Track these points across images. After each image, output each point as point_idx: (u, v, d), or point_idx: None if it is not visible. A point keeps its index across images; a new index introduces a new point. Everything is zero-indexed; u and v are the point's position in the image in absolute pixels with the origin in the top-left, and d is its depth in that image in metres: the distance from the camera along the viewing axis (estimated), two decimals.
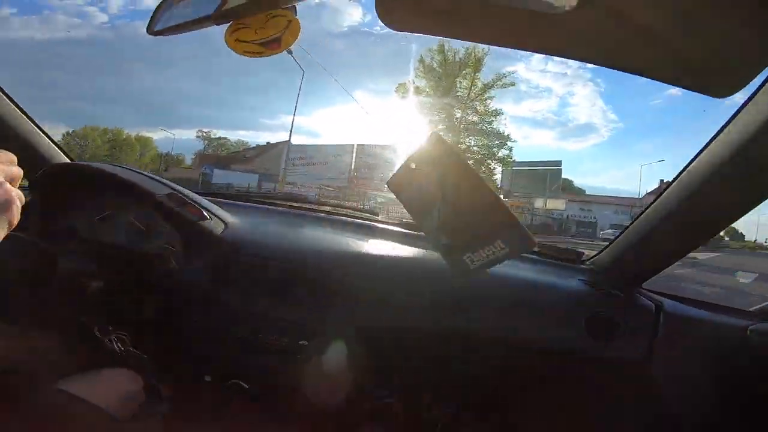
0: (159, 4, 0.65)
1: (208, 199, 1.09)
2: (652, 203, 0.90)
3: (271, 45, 0.58)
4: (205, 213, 0.95)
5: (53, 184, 0.99)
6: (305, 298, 0.91)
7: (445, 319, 0.94)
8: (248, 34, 0.59)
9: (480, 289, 0.98)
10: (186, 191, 1.00)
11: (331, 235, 1.15)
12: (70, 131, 36.54)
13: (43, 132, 1.08)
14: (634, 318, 0.92)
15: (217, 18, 0.60)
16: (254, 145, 35.59)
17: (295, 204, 1.33)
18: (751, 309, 0.94)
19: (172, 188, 0.97)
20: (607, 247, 1.08)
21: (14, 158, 0.47)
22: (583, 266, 1.13)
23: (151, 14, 0.68)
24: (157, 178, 1.01)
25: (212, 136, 40.64)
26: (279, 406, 0.91)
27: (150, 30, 0.67)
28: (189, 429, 0.86)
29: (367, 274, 0.96)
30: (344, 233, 1.17)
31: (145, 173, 1.02)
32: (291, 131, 24.52)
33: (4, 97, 0.97)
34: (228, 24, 0.60)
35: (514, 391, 1.09)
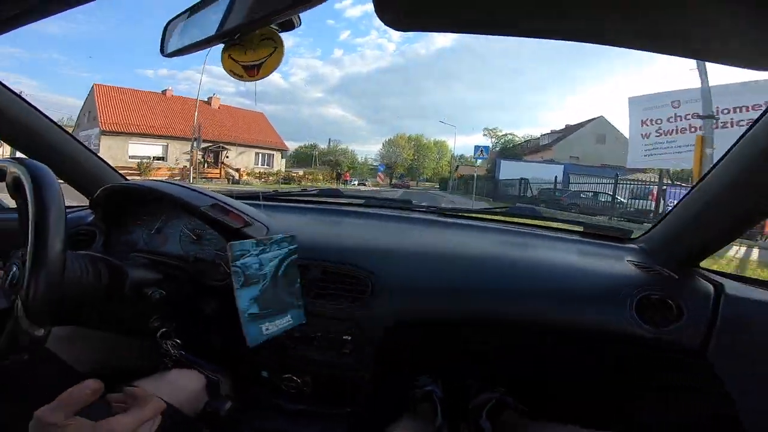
0: (164, 30, 0.68)
1: (249, 203, 1.15)
2: (708, 172, 0.80)
3: (251, 71, 0.61)
4: (246, 220, 0.99)
5: (111, 203, 1.09)
6: (344, 294, 0.93)
7: (486, 305, 0.92)
8: (239, 54, 0.61)
9: (521, 275, 0.95)
10: (229, 200, 1.05)
11: (364, 228, 1.16)
12: (387, 140, 46.15)
13: (96, 156, 1.18)
14: (689, 301, 0.83)
15: (220, 37, 0.62)
16: (548, 132, 30.59)
17: (330, 200, 1.36)
18: None
19: (215, 199, 1.02)
20: (659, 222, 1.00)
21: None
22: (632, 245, 1.05)
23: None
24: (201, 189, 1.07)
25: (498, 133, 41.67)
26: (327, 396, 0.95)
27: (163, 53, 0.71)
28: (251, 421, 0.92)
29: (401, 264, 0.97)
30: (377, 226, 1.19)
31: (190, 186, 1.08)
32: None
33: (61, 130, 1.08)
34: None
35: (560, 377, 1.05)
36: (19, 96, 0.98)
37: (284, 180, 24.79)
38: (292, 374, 0.94)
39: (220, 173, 21.62)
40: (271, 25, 0.61)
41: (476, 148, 14.65)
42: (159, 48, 0.69)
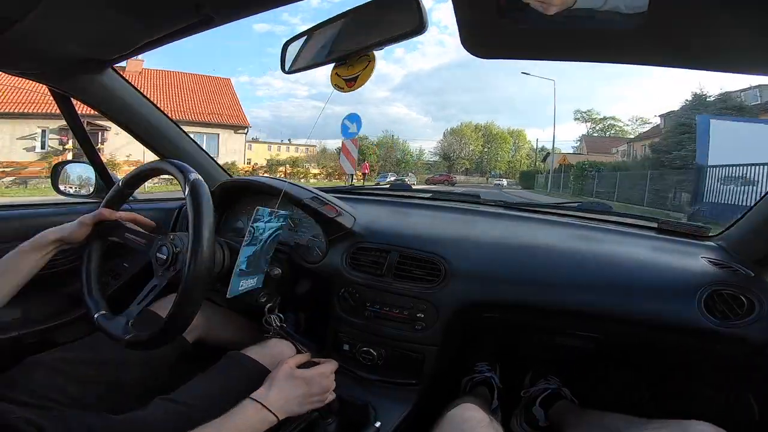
0: (282, 50, 0.82)
1: (338, 197, 1.29)
2: None
3: (350, 83, 0.73)
4: (339, 210, 1.13)
5: (223, 195, 1.27)
6: (420, 276, 1.02)
7: (552, 294, 0.98)
8: (343, 70, 0.73)
9: (589, 267, 0.99)
10: (324, 194, 1.19)
11: (435, 219, 1.26)
12: (449, 129, 39.60)
13: (208, 154, 1.39)
14: (763, 297, 0.84)
15: (334, 59, 0.75)
16: (748, 87, 17.54)
17: (403, 194, 1.48)
18: None
19: (313, 192, 1.17)
20: (738, 220, 0.99)
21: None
22: (709, 243, 1.05)
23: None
24: (300, 184, 1.22)
25: (594, 116, 33.42)
26: (397, 368, 1.05)
27: (284, 71, 0.85)
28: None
29: (472, 253, 1.05)
30: (447, 217, 1.29)
31: (293, 182, 1.23)
32: None
33: (184, 133, 1.29)
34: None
35: (618, 367, 1.08)
36: (158, 108, 1.19)
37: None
38: (370, 347, 1.06)
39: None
40: None
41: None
42: (280, 66, 0.83)
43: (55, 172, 1.29)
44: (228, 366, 0.89)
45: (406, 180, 26.63)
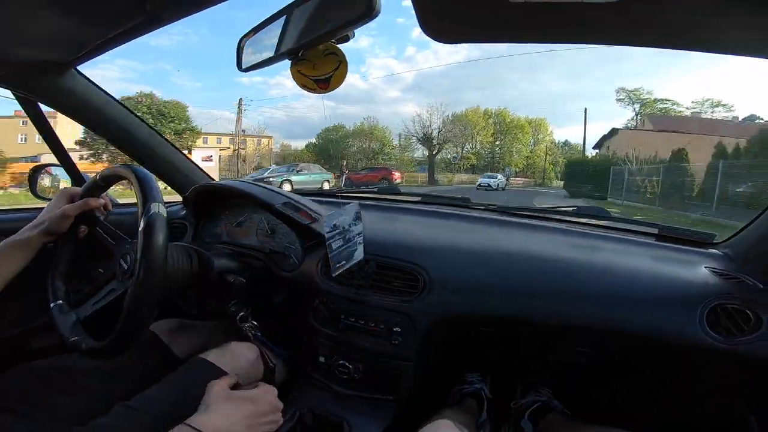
0: (237, 47, 0.76)
1: (316, 200, 1.23)
2: None
3: (321, 84, 0.66)
4: (314, 216, 1.07)
5: (200, 201, 1.23)
6: (398, 287, 0.96)
7: (544, 306, 0.91)
8: (308, 68, 0.67)
9: (583, 277, 0.92)
10: (300, 198, 1.14)
11: (420, 225, 1.19)
12: (450, 116, 31.60)
13: (188, 158, 1.35)
14: None
15: (286, 54, 0.69)
16: None
17: (389, 197, 1.41)
18: None
19: (287, 197, 1.12)
20: (746, 226, 0.90)
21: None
22: (714, 251, 0.97)
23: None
24: (276, 189, 1.17)
25: (642, 96, 27.38)
26: (375, 382, 0.98)
27: (240, 68, 0.79)
28: (304, 400, 1.01)
29: (455, 262, 0.98)
30: (434, 223, 1.22)
31: (267, 186, 1.18)
32: None
33: (160, 137, 1.25)
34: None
35: (612, 383, 1.01)
36: (129, 110, 1.16)
37: None
38: (346, 361, 1.00)
39: None
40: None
41: None
42: (236, 63, 0.78)
43: (33, 177, 1.27)
44: (188, 371, 0.86)
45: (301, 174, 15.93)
